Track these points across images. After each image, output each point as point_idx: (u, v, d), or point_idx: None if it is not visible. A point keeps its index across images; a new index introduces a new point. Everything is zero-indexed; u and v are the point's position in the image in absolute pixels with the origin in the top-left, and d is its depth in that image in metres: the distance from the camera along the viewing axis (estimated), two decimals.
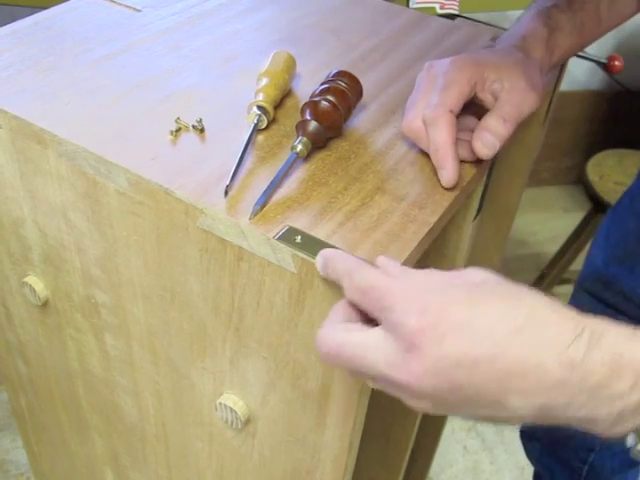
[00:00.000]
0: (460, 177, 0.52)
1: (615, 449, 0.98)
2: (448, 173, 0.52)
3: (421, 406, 0.38)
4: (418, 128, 0.54)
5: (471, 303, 0.36)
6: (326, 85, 0.55)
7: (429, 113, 0.52)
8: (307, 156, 0.53)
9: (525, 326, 0.35)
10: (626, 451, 0.38)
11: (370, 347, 0.38)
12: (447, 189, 0.52)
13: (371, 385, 0.40)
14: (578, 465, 1.02)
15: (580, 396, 0.35)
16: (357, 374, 0.40)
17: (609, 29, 0.68)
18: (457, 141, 0.54)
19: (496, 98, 0.55)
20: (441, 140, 0.52)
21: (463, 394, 0.36)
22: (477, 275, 0.39)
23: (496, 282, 0.39)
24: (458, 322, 0.35)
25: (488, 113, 0.54)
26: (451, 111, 0.52)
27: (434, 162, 0.53)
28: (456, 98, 0.53)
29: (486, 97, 0.55)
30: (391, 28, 0.74)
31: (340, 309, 0.41)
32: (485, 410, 0.37)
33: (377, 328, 0.38)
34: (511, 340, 0.35)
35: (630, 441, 0.37)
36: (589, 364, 0.34)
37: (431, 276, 0.39)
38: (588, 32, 0.65)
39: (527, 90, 0.55)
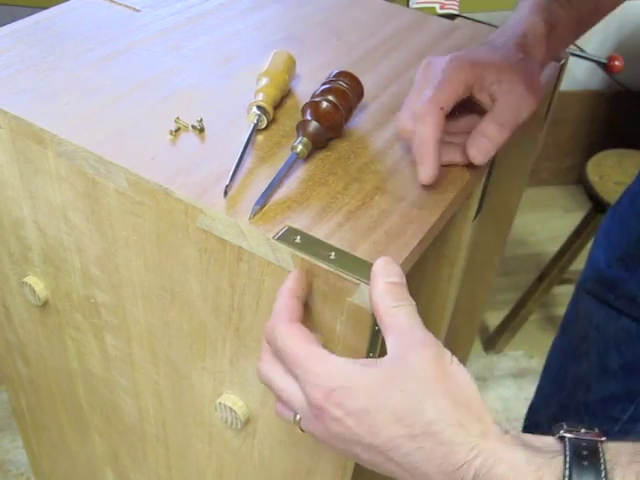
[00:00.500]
0: (439, 175, 0.51)
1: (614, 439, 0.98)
2: (426, 170, 0.50)
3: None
4: (409, 128, 0.53)
5: (380, 392, 0.38)
6: (327, 85, 0.55)
7: (418, 108, 0.51)
8: (307, 156, 0.53)
9: (420, 435, 0.37)
10: None
11: (291, 399, 0.42)
12: (424, 186, 0.51)
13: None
14: None
15: None
16: None
17: (605, 15, 0.67)
18: (451, 144, 0.53)
19: (494, 100, 0.53)
20: (425, 135, 0.50)
21: (362, 459, 0.41)
22: (411, 361, 0.39)
23: (424, 373, 0.38)
24: (359, 408, 0.38)
25: (485, 117, 0.53)
26: (441, 108, 0.51)
27: (415, 157, 0.51)
28: (448, 96, 0.52)
29: (483, 98, 0.54)
30: (391, 28, 0.74)
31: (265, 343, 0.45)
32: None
33: (295, 382, 0.42)
34: (404, 442, 0.37)
35: None
36: None
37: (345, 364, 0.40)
38: (585, 24, 0.64)
39: (526, 94, 0.53)
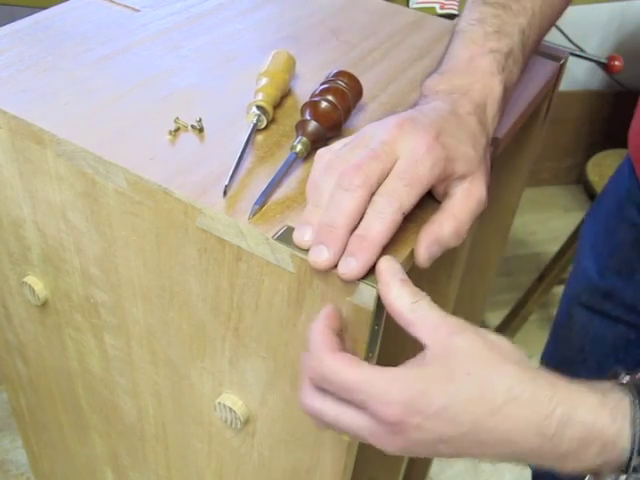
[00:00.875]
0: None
1: None
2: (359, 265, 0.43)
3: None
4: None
5: (450, 384, 0.39)
6: (326, 85, 0.55)
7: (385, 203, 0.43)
8: (306, 156, 0.53)
9: (503, 406, 0.39)
10: None
11: (352, 424, 0.41)
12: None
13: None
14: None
15: (549, 458, 0.40)
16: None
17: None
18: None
19: (448, 194, 0.47)
20: (378, 239, 0.43)
21: (444, 453, 0.41)
22: (460, 345, 0.40)
23: (479, 351, 0.40)
24: (437, 407, 0.39)
25: (441, 217, 0.46)
26: (403, 213, 0.44)
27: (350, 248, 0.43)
28: (416, 200, 0.44)
29: (439, 188, 0.48)
30: (391, 28, 0.74)
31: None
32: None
33: (350, 409, 0.41)
34: (489, 419, 0.39)
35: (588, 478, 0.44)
36: (559, 438, 0.39)
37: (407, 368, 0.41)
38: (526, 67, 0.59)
39: (483, 194, 0.48)
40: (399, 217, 0.43)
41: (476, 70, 0.52)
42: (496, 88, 0.52)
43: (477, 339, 0.40)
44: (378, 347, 0.47)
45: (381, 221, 0.42)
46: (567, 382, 0.41)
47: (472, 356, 0.40)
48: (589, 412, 0.39)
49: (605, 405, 0.40)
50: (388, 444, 0.41)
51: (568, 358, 0.97)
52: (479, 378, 0.39)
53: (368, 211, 0.43)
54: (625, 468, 0.40)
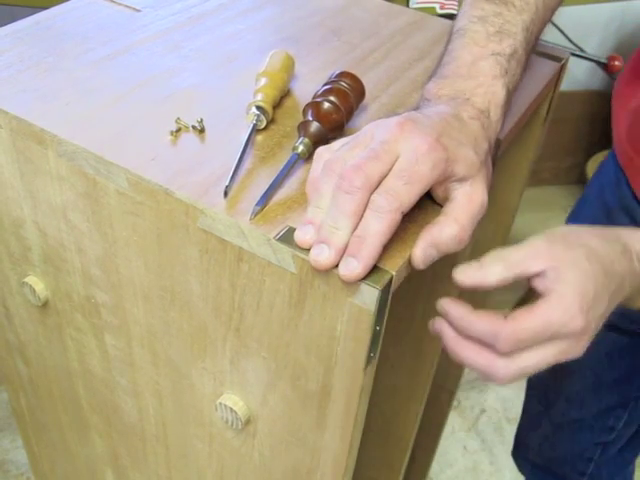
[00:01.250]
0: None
1: (610, 452, 0.98)
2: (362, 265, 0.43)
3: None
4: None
5: (586, 275, 0.47)
6: (329, 86, 0.55)
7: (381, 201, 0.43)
8: (307, 156, 0.53)
9: (615, 263, 0.49)
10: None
11: (550, 357, 0.48)
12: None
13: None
14: (577, 478, 1.01)
15: (635, 288, 0.51)
16: None
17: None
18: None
19: (448, 197, 0.47)
20: (378, 233, 0.43)
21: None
22: (577, 249, 0.48)
23: (589, 250, 0.48)
24: (594, 294, 0.47)
25: (442, 220, 0.46)
26: (403, 212, 0.43)
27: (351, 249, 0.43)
28: (415, 199, 0.44)
29: (439, 191, 0.48)
30: (391, 28, 0.74)
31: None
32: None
33: (548, 345, 0.47)
34: (613, 276, 0.48)
35: None
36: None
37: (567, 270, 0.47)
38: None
39: (484, 199, 0.48)
40: (398, 216, 0.43)
41: (479, 74, 0.52)
42: (499, 92, 0.52)
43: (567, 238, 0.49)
44: (379, 348, 0.47)
45: (380, 221, 0.42)
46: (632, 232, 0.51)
47: (575, 247, 0.48)
48: None
49: None
50: (579, 349, 0.48)
51: (562, 366, 0.97)
52: (592, 256, 0.47)
53: (367, 211, 0.43)
54: None
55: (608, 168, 0.87)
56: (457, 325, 0.47)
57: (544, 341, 0.46)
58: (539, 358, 0.47)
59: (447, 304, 0.47)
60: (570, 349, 0.47)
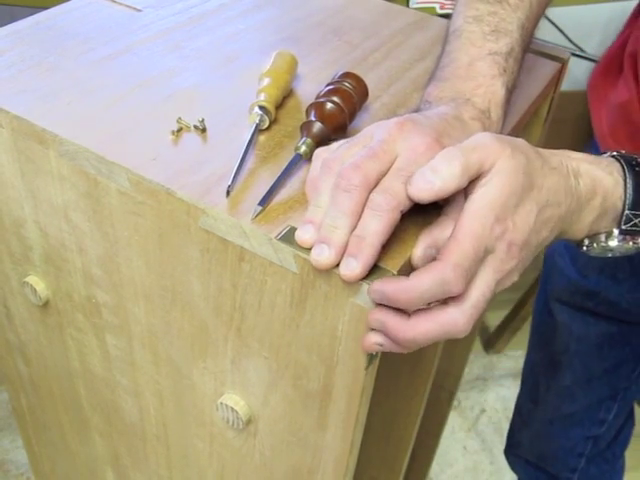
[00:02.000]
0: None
1: (600, 446, 0.98)
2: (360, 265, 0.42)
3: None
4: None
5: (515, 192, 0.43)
6: (332, 86, 0.55)
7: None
8: (310, 157, 0.53)
9: (548, 174, 0.45)
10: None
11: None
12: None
13: None
14: (568, 475, 1.02)
15: (576, 211, 0.47)
16: None
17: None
18: None
19: (449, 199, 0.46)
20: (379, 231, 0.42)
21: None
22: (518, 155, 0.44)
23: (528, 162, 0.45)
24: (515, 204, 0.43)
25: (444, 224, 0.45)
26: (402, 211, 0.43)
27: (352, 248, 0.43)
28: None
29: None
30: (392, 28, 0.74)
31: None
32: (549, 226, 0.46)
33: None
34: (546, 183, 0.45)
35: (585, 241, 0.51)
36: (577, 189, 0.47)
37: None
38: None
39: None
40: (397, 215, 0.43)
41: (477, 74, 0.52)
42: (499, 92, 0.52)
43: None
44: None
45: (378, 220, 0.42)
46: (565, 151, 0.48)
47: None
48: (589, 165, 0.48)
49: (600, 162, 0.49)
50: (513, 263, 0.43)
51: (553, 362, 0.97)
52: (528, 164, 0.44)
53: (366, 210, 0.43)
54: (618, 222, 0.49)
55: None
56: (402, 299, 0.42)
57: (479, 262, 0.42)
58: (483, 285, 0.42)
59: (382, 284, 0.42)
60: (503, 264, 0.42)
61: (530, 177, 0.43)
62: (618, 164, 0.49)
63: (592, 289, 0.88)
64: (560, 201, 0.45)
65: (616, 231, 0.50)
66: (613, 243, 0.50)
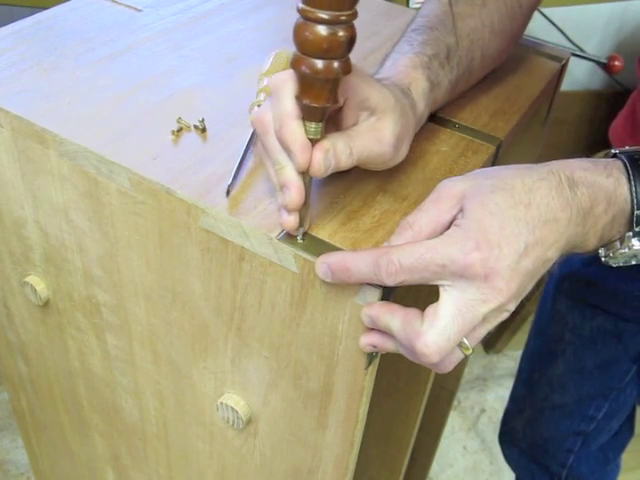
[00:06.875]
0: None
1: (591, 447, 0.99)
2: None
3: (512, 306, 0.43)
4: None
5: (494, 215, 0.41)
6: None
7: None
8: None
9: (531, 196, 0.42)
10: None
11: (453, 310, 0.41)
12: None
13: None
14: (557, 470, 1.02)
15: (579, 224, 0.44)
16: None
17: (475, 82, 0.64)
18: None
19: (354, 123, 0.48)
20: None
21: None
22: (483, 181, 0.43)
23: (498, 180, 0.43)
24: (496, 234, 0.41)
25: (337, 137, 0.46)
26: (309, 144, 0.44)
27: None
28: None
29: (350, 118, 0.48)
30: (392, 28, 0.74)
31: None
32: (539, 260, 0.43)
33: (445, 299, 0.41)
34: (523, 215, 0.42)
35: (601, 252, 0.48)
36: (577, 200, 0.43)
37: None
38: (458, 88, 0.61)
39: (387, 137, 0.48)
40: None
41: (398, 67, 0.55)
42: (419, 78, 0.54)
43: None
44: None
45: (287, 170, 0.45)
46: (559, 161, 0.45)
47: (498, 179, 0.43)
48: (584, 172, 0.44)
49: (597, 165, 0.46)
50: (495, 298, 0.41)
51: (548, 350, 0.98)
52: (507, 195, 0.42)
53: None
54: (630, 225, 0.46)
55: None
56: (338, 271, 0.43)
57: (451, 283, 0.41)
58: (451, 311, 0.41)
59: (326, 256, 0.43)
60: (486, 296, 0.40)
61: (514, 198, 0.42)
62: (619, 162, 0.46)
63: (591, 278, 0.89)
64: (558, 217, 0.42)
65: (630, 234, 0.46)
66: (636, 248, 0.47)
